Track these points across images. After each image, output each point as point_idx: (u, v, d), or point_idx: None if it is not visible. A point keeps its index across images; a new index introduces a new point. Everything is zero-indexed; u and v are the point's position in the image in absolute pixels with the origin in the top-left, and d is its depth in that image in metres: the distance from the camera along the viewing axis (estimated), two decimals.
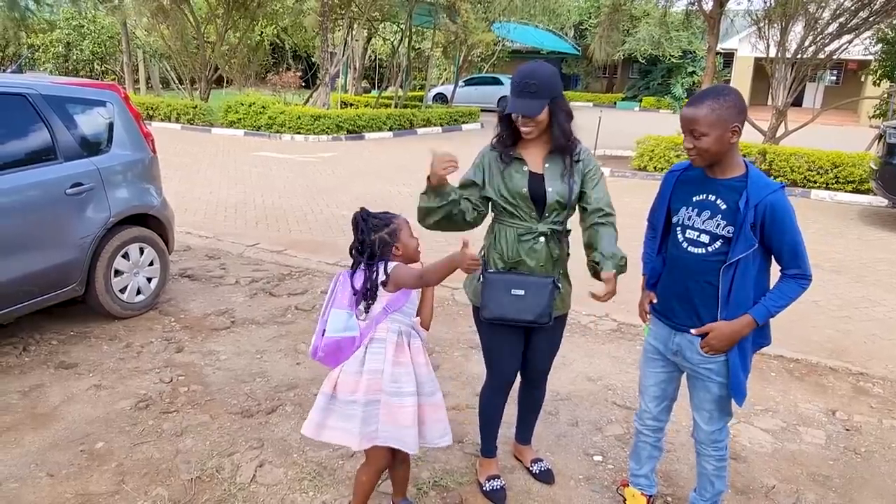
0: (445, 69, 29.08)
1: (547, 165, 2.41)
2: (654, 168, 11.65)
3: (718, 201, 2.16)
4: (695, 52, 28.68)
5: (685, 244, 2.24)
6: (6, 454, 2.85)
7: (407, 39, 19.84)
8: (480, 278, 2.45)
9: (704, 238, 2.19)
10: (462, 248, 2.02)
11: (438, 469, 2.85)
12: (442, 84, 27.90)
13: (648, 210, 2.47)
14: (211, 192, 8.87)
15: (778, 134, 12.20)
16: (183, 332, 4.24)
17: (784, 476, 2.97)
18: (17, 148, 3.75)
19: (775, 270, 2.19)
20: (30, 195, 3.72)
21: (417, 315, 2.29)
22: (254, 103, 15.68)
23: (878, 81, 16.89)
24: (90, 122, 4.19)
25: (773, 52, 12.13)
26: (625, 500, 2.66)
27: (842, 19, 11.49)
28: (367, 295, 2.15)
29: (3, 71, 21.94)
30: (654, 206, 2.44)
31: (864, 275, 6.29)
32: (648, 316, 2.46)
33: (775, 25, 12.00)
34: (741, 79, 28.24)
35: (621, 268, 2.29)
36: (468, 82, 26.07)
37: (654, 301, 2.41)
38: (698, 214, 2.21)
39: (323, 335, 2.17)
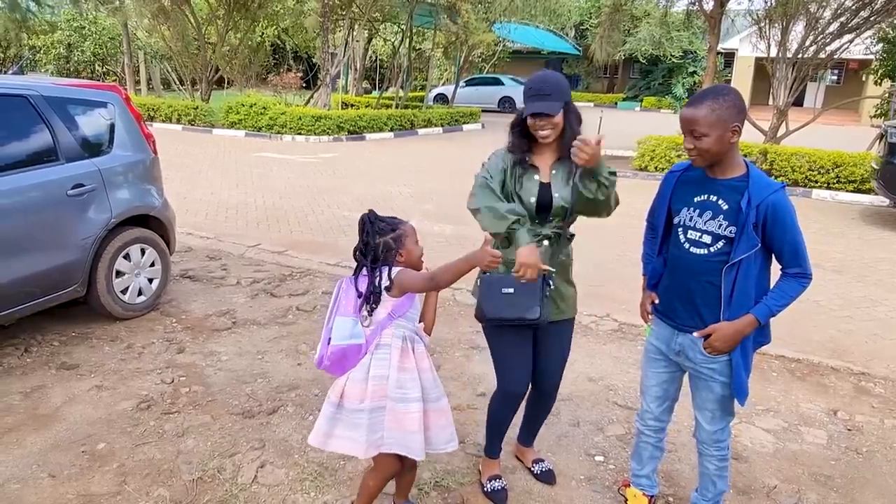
0: (446, 70, 29.11)
1: (554, 172, 2.44)
2: (655, 168, 11.64)
3: (720, 202, 2.16)
4: (696, 51, 28.68)
5: (687, 245, 2.24)
6: (8, 455, 2.85)
7: (408, 40, 19.85)
8: (477, 283, 2.45)
9: (707, 238, 2.19)
10: (483, 246, 2.02)
11: (440, 469, 2.85)
12: (443, 84, 27.93)
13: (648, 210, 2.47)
14: (212, 192, 8.88)
15: (779, 134, 12.20)
16: (184, 332, 4.25)
17: (785, 476, 2.96)
18: (18, 149, 3.75)
19: (774, 269, 2.20)
20: (31, 196, 3.73)
21: (420, 320, 2.29)
22: (255, 104, 15.70)
23: (879, 81, 16.89)
24: (91, 124, 4.19)
25: (773, 52, 12.13)
26: (626, 500, 2.66)
27: (843, 19, 11.49)
28: (370, 299, 2.14)
29: (5, 72, 21.99)
30: (654, 207, 2.44)
31: (866, 274, 6.29)
32: (650, 316, 2.47)
33: (776, 25, 12.00)
34: (742, 78, 28.23)
35: (608, 176, 2.30)
36: (469, 83, 26.10)
37: (656, 301, 2.42)
38: (700, 215, 2.21)
39: (328, 344, 2.14)
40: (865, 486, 2.93)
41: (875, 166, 9.00)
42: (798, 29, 11.89)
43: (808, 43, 11.68)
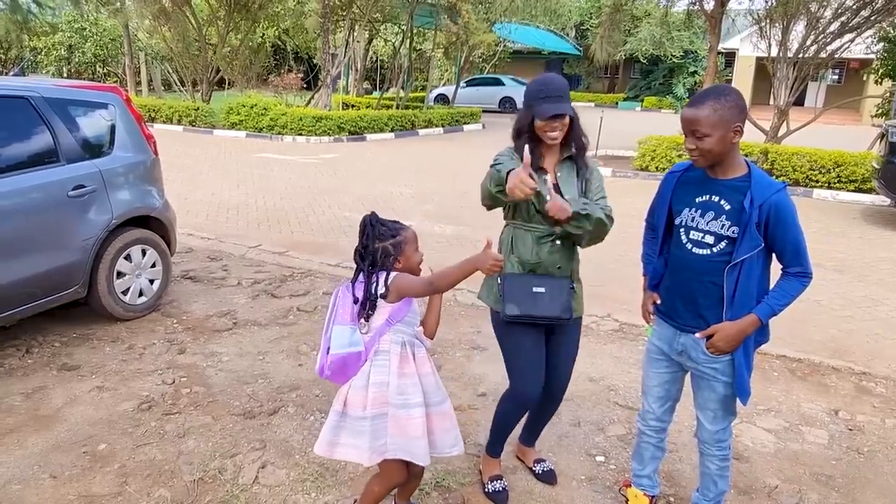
0: (447, 70, 29.12)
1: (559, 174, 2.45)
2: (656, 168, 11.64)
3: (722, 202, 2.16)
4: (696, 51, 28.68)
5: (689, 245, 2.24)
6: (9, 456, 2.85)
7: (408, 40, 19.85)
8: (499, 282, 2.45)
9: (709, 239, 2.19)
10: (485, 249, 2.01)
11: (440, 470, 2.85)
12: (443, 85, 27.94)
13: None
14: (213, 193, 8.88)
15: (780, 133, 12.19)
16: (185, 333, 4.25)
17: (787, 476, 2.96)
18: (19, 150, 3.76)
19: (774, 270, 2.19)
20: (32, 197, 3.73)
21: (421, 324, 2.27)
22: (255, 105, 15.70)
23: (880, 80, 16.88)
24: (92, 125, 4.20)
25: (774, 52, 12.13)
26: (627, 500, 2.66)
27: (843, 18, 11.48)
28: (366, 305, 2.12)
29: (6, 74, 22.02)
30: (654, 207, 2.44)
31: (867, 274, 6.28)
32: (652, 317, 2.46)
33: (777, 25, 12.00)
34: (743, 78, 28.21)
35: (583, 215, 2.27)
36: (470, 83, 26.10)
37: (658, 302, 2.41)
38: (702, 215, 2.21)
39: (328, 353, 2.14)
40: (867, 485, 2.93)
41: (876, 166, 8.99)
42: (799, 28, 11.89)
43: (808, 42, 11.68)
